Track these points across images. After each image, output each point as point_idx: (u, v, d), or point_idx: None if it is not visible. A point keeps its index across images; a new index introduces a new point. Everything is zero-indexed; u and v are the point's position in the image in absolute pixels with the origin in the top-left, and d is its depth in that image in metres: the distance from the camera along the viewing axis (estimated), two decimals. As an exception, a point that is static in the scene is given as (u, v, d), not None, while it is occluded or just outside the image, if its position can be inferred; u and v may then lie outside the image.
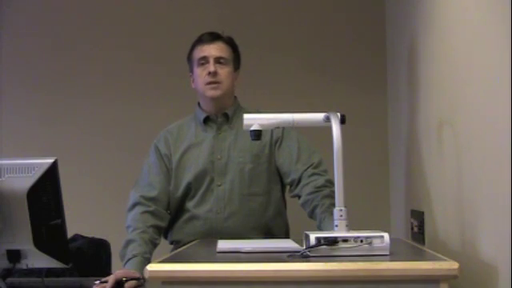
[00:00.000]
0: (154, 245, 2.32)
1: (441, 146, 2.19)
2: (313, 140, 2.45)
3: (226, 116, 2.50)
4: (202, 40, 2.48)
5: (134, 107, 3.44)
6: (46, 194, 1.90)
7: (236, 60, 2.52)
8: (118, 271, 2.10)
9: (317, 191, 2.30)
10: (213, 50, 2.45)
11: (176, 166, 2.46)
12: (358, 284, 1.54)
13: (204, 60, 2.45)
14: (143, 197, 2.40)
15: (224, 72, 2.45)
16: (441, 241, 2.17)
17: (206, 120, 2.50)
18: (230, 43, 2.50)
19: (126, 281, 2.00)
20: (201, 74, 2.45)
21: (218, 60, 2.44)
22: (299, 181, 2.38)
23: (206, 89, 2.45)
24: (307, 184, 2.34)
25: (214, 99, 2.46)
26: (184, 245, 2.28)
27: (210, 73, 2.42)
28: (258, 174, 2.44)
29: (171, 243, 2.51)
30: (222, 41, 2.48)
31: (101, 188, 3.39)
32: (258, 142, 2.29)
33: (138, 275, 2.04)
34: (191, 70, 2.52)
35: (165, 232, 2.48)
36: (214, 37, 2.47)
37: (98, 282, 2.02)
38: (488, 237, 1.73)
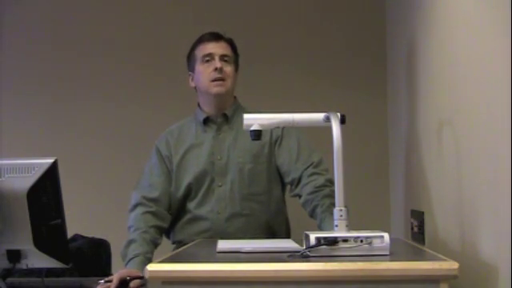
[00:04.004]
0: (156, 245, 2.33)
1: (441, 146, 2.19)
2: (313, 140, 2.46)
3: (225, 116, 2.50)
4: (205, 39, 2.49)
5: (133, 108, 3.43)
6: (45, 194, 1.91)
7: (236, 61, 2.53)
8: (121, 270, 2.10)
9: (317, 191, 2.30)
10: (218, 47, 2.47)
11: (177, 167, 2.47)
12: (357, 284, 1.54)
13: (209, 57, 2.45)
14: (145, 197, 2.40)
15: (228, 70, 2.46)
16: (441, 241, 2.17)
17: (206, 121, 2.50)
18: (231, 44, 2.52)
19: (130, 280, 2.01)
20: (205, 71, 2.45)
21: (222, 58, 2.45)
22: (299, 180, 2.38)
23: (210, 85, 2.45)
24: (307, 183, 2.34)
25: (217, 96, 2.46)
26: (186, 245, 2.29)
27: (216, 69, 2.42)
28: (257, 173, 2.44)
29: (173, 243, 2.52)
30: (225, 41, 2.50)
31: (101, 188, 3.39)
32: (257, 142, 2.28)
33: (141, 274, 2.04)
34: (191, 69, 2.52)
35: (167, 232, 2.49)
36: (217, 36, 2.49)
37: (102, 281, 2.03)
38: (488, 237, 1.73)
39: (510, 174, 1.53)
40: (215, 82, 2.44)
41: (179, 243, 2.45)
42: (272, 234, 2.44)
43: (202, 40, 2.50)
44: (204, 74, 2.45)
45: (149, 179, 2.46)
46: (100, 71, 3.47)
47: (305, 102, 3.19)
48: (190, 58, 2.52)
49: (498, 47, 1.61)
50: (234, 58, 2.50)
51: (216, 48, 2.46)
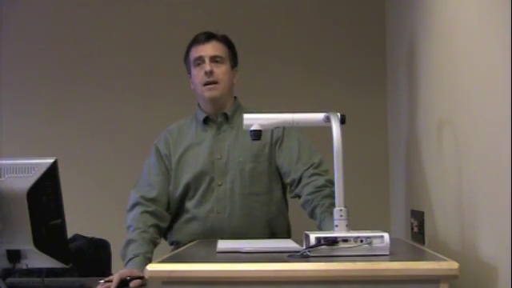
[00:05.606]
0: (155, 244, 2.33)
1: (441, 145, 2.19)
2: (313, 140, 2.45)
3: (225, 116, 2.49)
4: (196, 41, 2.48)
5: (133, 107, 3.44)
6: (45, 194, 1.91)
7: (233, 58, 2.51)
8: (121, 270, 2.10)
9: (317, 191, 2.30)
10: (208, 49, 2.44)
11: (175, 167, 2.46)
12: (357, 284, 1.54)
13: (200, 60, 2.44)
14: (143, 197, 2.40)
15: (220, 71, 2.44)
16: (441, 241, 2.17)
17: (206, 120, 2.50)
18: (225, 41, 2.49)
19: (130, 280, 2.01)
20: (197, 75, 2.45)
21: (213, 59, 2.44)
22: (299, 181, 2.38)
23: (203, 90, 2.44)
24: (307, 184, 2.34)
25: (212, 100, 2.45)
26: (184, 245, 2.28)
27: (206, 72, 2.42)
28: (258, 173, 2.44)
29: (171, 244, 2.51)
30: (217, 39, 2.47)
31: (101, 188, 3.39)
32: (258, 142, 2.28)
33: (142, 274, 2.04)
34: (189, 72, 2.52)
35: (164, 233, 2.48)
36: (208, 36, 2.47)
37: (102, 281, 2.02)
38: (488, 237, 1.73)
39: (510, 173, 1.53)
40: (207, 86, 2.43)
41: (178, 243, 2.44)
42: (272, 235, 2.43)
43: (193, 42, 2.48)
44: (197, 77, 2.45)
45: (147, 179, 2.46)
46: (100, 71, 3.47)
47: (305, 101, 3.20)
48: (186, 62, 2.52)
49: (498, 47, 1.61)
50: (227, 56, 2.48)
51: (206, 50, 2.44)
